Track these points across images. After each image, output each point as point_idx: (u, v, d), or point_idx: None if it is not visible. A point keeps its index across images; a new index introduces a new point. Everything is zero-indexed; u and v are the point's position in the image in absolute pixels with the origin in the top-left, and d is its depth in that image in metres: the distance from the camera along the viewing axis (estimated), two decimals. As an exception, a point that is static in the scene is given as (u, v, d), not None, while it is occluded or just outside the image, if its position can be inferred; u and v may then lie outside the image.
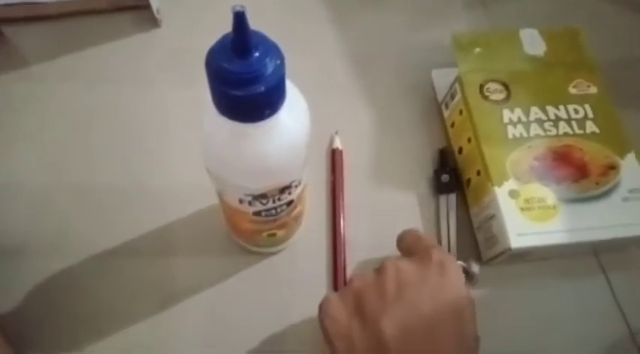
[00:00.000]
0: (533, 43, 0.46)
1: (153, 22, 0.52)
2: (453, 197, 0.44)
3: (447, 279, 0.31)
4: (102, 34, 0.51)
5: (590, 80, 0.44)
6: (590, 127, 0.42)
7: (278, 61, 0.23)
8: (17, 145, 0.45)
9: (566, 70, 0.45)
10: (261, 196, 0.30)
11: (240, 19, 0.22)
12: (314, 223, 0.42)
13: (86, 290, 0.40)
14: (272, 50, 0.23)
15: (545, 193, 0.39)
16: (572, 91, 0.44)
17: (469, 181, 0.43)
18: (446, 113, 0.47)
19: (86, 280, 0.40)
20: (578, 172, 0.40)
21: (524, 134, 0.42)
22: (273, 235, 0.37)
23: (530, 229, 0.38)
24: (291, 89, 0.26)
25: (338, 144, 0.46)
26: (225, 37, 0.23)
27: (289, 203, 0.33)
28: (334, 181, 0.45)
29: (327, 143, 0.47)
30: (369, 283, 0.31)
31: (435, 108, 0.49)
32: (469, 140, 0.43)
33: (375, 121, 0.49)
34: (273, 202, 0.31)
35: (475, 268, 0.38)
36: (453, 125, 0.46)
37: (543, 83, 0.44)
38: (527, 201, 0.39)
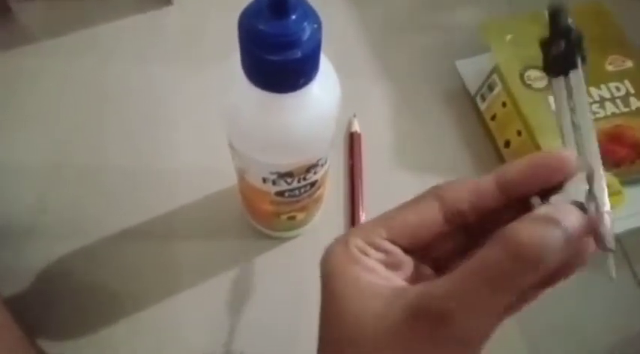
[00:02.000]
0: (561, 22, 0.45)
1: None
2: (578, 74, 0.24)
3: None
4: (111, 11, 0.49)
5: (624, 54, 0.43)
6: (635, 103, 0.42)
7: (315, 26, 0.22)
8: (26, 123, 0.44)
9: (599, 48, 0.44)
10: (287, 175, 0.29)
11: None
12: (331, 209, 0.41)
13: (96, 273, 0.38)
14: (310, 13, 0.22)
15: (609, 178, 0.38)
16: (609, 68, 0.43)
17: (524, 175, 0.42)
18: (483, 106, 0.45)
19: (96, 263, 0.39)
20: (633, 152, 0.40)
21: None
22: (293, 218, 0.36)
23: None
24: (323, 59, 0.24)
25: (356, 127, 0.45)
26: None
27: (313, 184, 0.31)
28: (352, 165, 0.43)
29: (346, 126, 0.45)
30: None
31: (459, 94, 0.48)
32: (519, 133, 0.41)
33: (395, 105, 0.47)
34: (298, 181, 0.30)
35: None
36: (493, 118, 0.44)
37: (580, 64, 0.43)
38: (593, 190, 0.38)
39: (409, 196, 0.39)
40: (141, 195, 0.41)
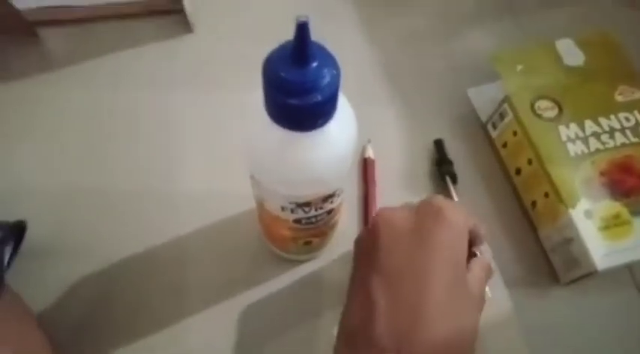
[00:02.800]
0: (571, 53, 0.46)
1: (186, 26, 0.52)
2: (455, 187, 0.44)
3: (444, 227, 0.29)
4: (134, 38, 0.51)
5: (633, 85, 0.44)
6: (644, 133, 0.42)
7: (334, 72, 0.23)
8: (47, 147, 0.45)
9: (608, 78, 0.45)
10: (305, 205, 0.30)
11: (303, 29, 0.21)
12: (346, 232, 0.42)
13: (115, 293, 0.40)
14: (329, 61, 0.23)
15: (618, 208, 0.39)
16: (619, 98, 0.44)
17: (534, 203, 0.43)
18: (494, 133, 0.47)
19: (113, 284, 0.40)
20: (643, 182, 0.40)
21: (585, 150, 0.41)
22: (309, 242, 0.37)
23: (612, 248, 0.38)
24: (340, 97, 0.26)
25: (370, 153, 0.46)
26: (283, 45, 0.23)
27: (329, 211, 0.33)
28: (367, 191, 0.44)
29: (360, 152, 0.46)
30: (363, 237, 0.32)
31: (471, 121, 0.49)
32: (529, 162, 0.42)
33: (408, 131, 0.48)
34: (315, 210, 0.31)
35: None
36: (505, 146, 0.45)
37: (590, 95, 0.44)
38: (603, 220, 0.39)
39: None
40: (156, 218, 0.43)
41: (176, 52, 0.51)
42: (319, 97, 0.23)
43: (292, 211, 0.31)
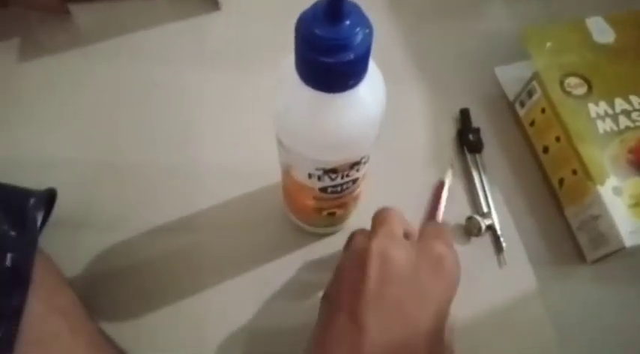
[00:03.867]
0: (601, 31, 0.45)
1: (213, 4, 0.52)
2: (480, 156, 0.45)
3: (441, 280, 0.29)
4: (162, 15, 0.52)
5: (665, 63, 0.44)
6: (677, 111, 0.42)
7: (367, 30, 0.23)
8: (76, 121, 0.46)
9: (639, 56, 0.44)
10: (332, 171, 0.30)
11: None
12: (366, 207, 0.41)
13: (142, 263, 0.40)
14: (362, 19, 0.23)
15: (649, 187, 0.39)
16: (650, 76, 0.43)
17: (562, 180, 0.42)
18: (522, 112, 0.46)
19: (142, 255, 0.41)
20: (674, 161, 0.40)
21: (615, 128, 0.41)
22: (333, 214, 0.37)
23: (640, 225, 0.37)
24: (371, 63, 0.26)
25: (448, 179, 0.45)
26: (316, 3, 0.23)
27: (355, 181, 0.33)
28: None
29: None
30: (351, 265, 0.30)
31: (498, 100, 0.49)
32: (557, 139, 0.42)
33: (434, 111, 0.48)
34: (342, 178, 0.31)
35: (483, 223, 0.39)
36: (532, 124, 0.45)
37: (620, 72, 0.43)
38: (632, 197, 0.38)
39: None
40: (181, 192, 0.43)
41: (202, 30, 0.51)
42: (352, 56, 0.23)
43: (319, 178, 0.31)
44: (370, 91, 0.27)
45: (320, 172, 0.30)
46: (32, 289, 0.31)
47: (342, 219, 0.40)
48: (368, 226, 0.41)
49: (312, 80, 0.25)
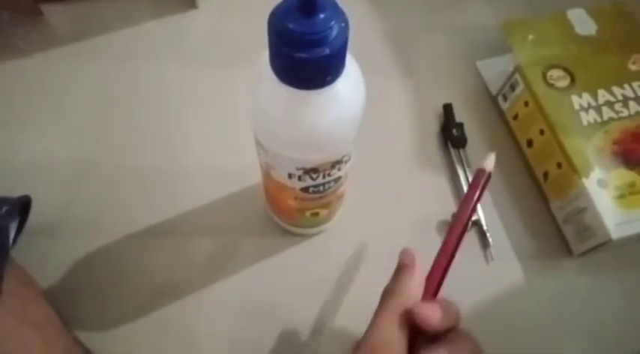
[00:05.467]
0: (583, 23, 0.45)
1: (190, 2, 0.51)
2: (464, 152, 0.44)
3: None
4: (138, 14, 0.51)
5: (647, 54, 0.43)
6: (659, 102, 0.41)
7: (342, 24, 0.22)
8: (52, 124, 0.45)
9: (621, 47, 0.44)
10: (312, 171, 0.29)
11: None
12: (352, 206, 0.41)
13: (122, 269, 0.39)
14: (337, 12, 0.22)
15: (633, 177, 0.38)
16: (632, 67, 0.43)
17: (546, 174, 0.42)
18: (504, 105, 0.46)
19: (122, 260, 0.40)
20: (658, 151, 0.39)
21: (598, 119, 0.40)
22: (316, 214, 0.37)
23: (626, 216, 0.37)
24: (349, 59, 0.25)
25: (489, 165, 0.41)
26: None
27: (337, 180, 0.32)
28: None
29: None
30: None
31: (480, 94, 0.48)
32: (541, 132, 0.41)
33: (416, 105, 0.47)
34: (323, 177, 0.31)
35: None
36: (516, 117, 0.44)
37: (603, 64, 0.43)
38: (617, 188, 0.38)
39: (423, 194, 0.39)
40: (162, 194, 0.42)
41: (180, 28, 0.50)
42: (327, 51, 0.22)
43: (300, 178, 0.30)
44: (349, 88, 0.26)
45: (300, 172, 0.30)
46: (3, 301, 0.30)
47: (326, 219, 0.39)
48: (354, 226, 0.41)
49: (287, 78, 0.24)
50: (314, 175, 0.30)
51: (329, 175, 0.31)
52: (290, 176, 0.30)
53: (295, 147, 0.28)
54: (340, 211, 0.40)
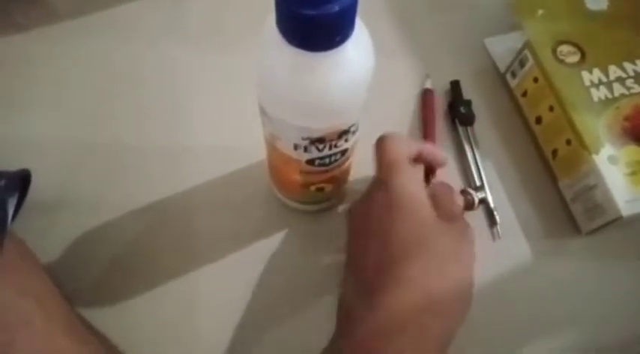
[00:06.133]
0: (594, -3, 0.44)
1: None
2: (472, 129, 0.44)
3: (399, 220, 0.30)
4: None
5: (659, 30, 0.42)
6: (671, 78, 0.41)
7: None
8: (53, 101, 0.44)
9: (633, 22, 0.43)
10: (319, 141, 0.29)
11: None
12: (359, 183, 0.40)
13: (124, 246, 0.39)
14: None
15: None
16: (644, 43, 0.42)
17: (555, 151, 0.41)
18: (513, 82, 0.45)
19: (123, 236, 0.39)
20: (669, 128, 0.39)
21: (609, 95, 0.39)
22: (321, 189, 0.36)
23: (638, 194, 0.36)
24: (359, 23, 0.24)
25: (429, 84, 0.45)
26: None
27: (343, 152, 0.31)
28: (426, 123, 0.44)
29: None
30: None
31: (488, 72, 0.47)
32: (551, 109, 0.40)
33: (424, 84, 0.46)
34: (329, 148, 0.30)
35: (476, 196, 0.38)
36: (525, 94, 0.44)
37: (614, 39, 0.42)
38: (628, 165, 0.37)
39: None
40: (164, 172, 0.42)
41: (182, 5, 0.49)
42: (336, 7, 0.21)
43: (306, 149, 0.30)
44: (357, 52, 0.25)
45: (306, 142, 0.29)
46: (3, 273, 0.29)
47: (331, 195, 0.38)
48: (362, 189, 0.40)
49: (294, 37, 0.23)
50: (320, 146, 0.29)
51: (335, 146, 0.30)
52: (296, 147, 0.30)
53: (302, 114, 0.27)
54: (346, 188, 0.40)
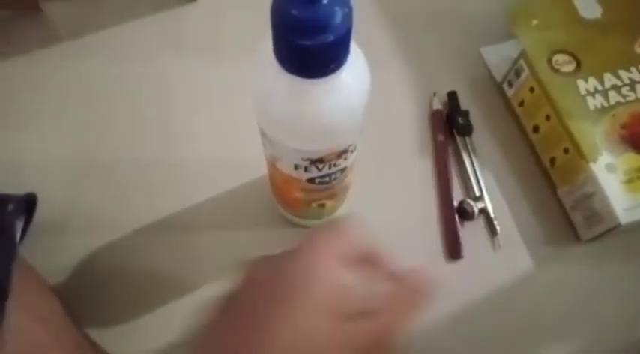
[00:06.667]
0: (587, 6, 0.44)
1: None
2: (470, 139, 0.44)
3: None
4: (138, 9, 0.50)
5: (653, 37, 0.43)
6: (666, 85, 0.41)
7: (346, 10, 0.22)
8: (54, 121, 0.45)
9: (627, 30, 0.43)
10: (319, 161, 0.29)
11: None
12: (358, 197, 0.41)
13: (128, 264, 0.39)
14: None
15: (638, 161, 0.38)
16: (639, 50, 0.42)
17: (553, 160, 0.41)
18: (510, 92, 0.45)
19: (128, 255, 0.40)
20: (666, 134, 0.39)
21: (605, 103, 0.40)
22: (323, 205, 0.36)
23: (636, 201, 0.37)
24: (353, 47, 0.25)
25: (437, 105, 0.45)
26: None
27: (343, 170, 0.32)
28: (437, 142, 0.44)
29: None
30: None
31: (484, 81, 0.48)
32: (547, 118, 0.41)
33: (420, 92, 0.47)
34: (329, 168, 0.30)
35: (476, 207, 0.39)
36: (521, 104, 0.44)
37: (609, 47, 0.42)
38: (626, 173, 0.37)
39: (428, 183, 0.39)
40: (166, 188, 0.42)
41: (180, 22, 0.50)
42: (331, 37, 0.22)
43: (306, 169, 0.30)
44: (353, 76, 0.26)
45: (306, 163, 0.29)
46: (13, 297, 0.30)
47: (332, 210, 0.39)
48: (368, 198, 0.40)
49: (291, 65, 0.24)
50: (320, 166, 0.30)
51: (335, 165, 0.31)
52: (296, 167, 0.30)
53: (300, 138, 0.27)
54: (346, 202, 0.40)
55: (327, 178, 0.32)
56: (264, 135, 0.30)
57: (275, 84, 0.25)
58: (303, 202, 0.36)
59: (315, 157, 0.29)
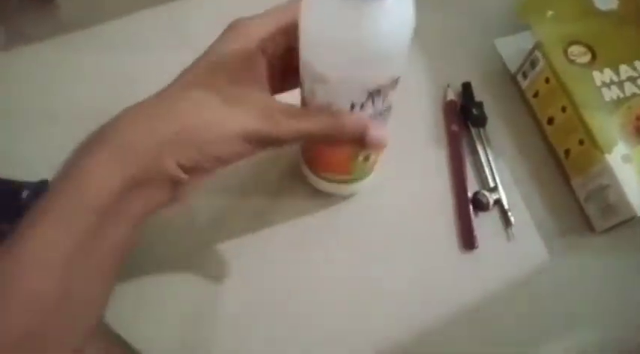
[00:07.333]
0: (603, -3, 0.44)
1: None
2: (484, 131, 0.44)
3: None
4: (142, 1, 0.50)
5: (667, 29, 0.43)
6: (679, 77, 0.41)
7: None
8: (63, 111, 0.44)
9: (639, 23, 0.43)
10: (376, 93, 0.29)
11: None
12: (381, 179, 0.41)
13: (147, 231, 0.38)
14: None
15: (653, 154, 0.38)
16: (653, 42, 0.42)
17: (568, 151, 0.41)
18: (524, 83, 0.45)
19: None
20: (679, 127, 0.39)
21: (621, 95, 0.40)
22: (367, 158, 0.36)
23: (652, 192, 0.37)
24: None
25: (451, 95, 0.46)
26: None
27: (388, 109, 0.32)
28: (454, 131, 0.44)
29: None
30: None
31: (499, 73, 0.48)
32: (563, 109, 0.41)
33: (435, 85, 0.47)
34: (382, 102, 0.31)
35: (491, 198, 0.39)
36: (536, 95, 0.44)
37: (624, 38, 0.42)
38: (642, 164, 0.37)
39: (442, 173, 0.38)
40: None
41: (189, 13, 0.50)
42: None
43: (362, 106, 0.30)
44: (402, 2, 0.27)
45: (363, 99, 0.29)
46: None
47: (371, 169, 0.39)
48: (383, 188, 0.41)
49: None
50: (376, 99, 0.30)
51: (386, 99, 0.31)
52: (352, 106, 0.30)
53: (357, 62, 0.27)
54: (372, 176, 0.40)
55: (380, 117, 0.32)
56: (316, 80, 0.29)
57: (325, 12, 0.26)
58: (350, 156, 0.35)
59: (373, 86, 0.29)
